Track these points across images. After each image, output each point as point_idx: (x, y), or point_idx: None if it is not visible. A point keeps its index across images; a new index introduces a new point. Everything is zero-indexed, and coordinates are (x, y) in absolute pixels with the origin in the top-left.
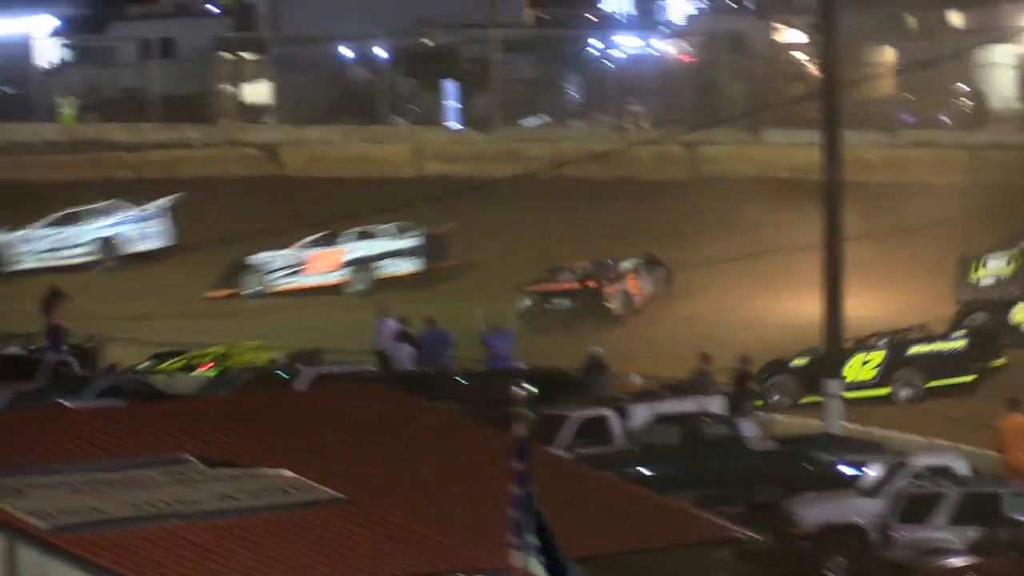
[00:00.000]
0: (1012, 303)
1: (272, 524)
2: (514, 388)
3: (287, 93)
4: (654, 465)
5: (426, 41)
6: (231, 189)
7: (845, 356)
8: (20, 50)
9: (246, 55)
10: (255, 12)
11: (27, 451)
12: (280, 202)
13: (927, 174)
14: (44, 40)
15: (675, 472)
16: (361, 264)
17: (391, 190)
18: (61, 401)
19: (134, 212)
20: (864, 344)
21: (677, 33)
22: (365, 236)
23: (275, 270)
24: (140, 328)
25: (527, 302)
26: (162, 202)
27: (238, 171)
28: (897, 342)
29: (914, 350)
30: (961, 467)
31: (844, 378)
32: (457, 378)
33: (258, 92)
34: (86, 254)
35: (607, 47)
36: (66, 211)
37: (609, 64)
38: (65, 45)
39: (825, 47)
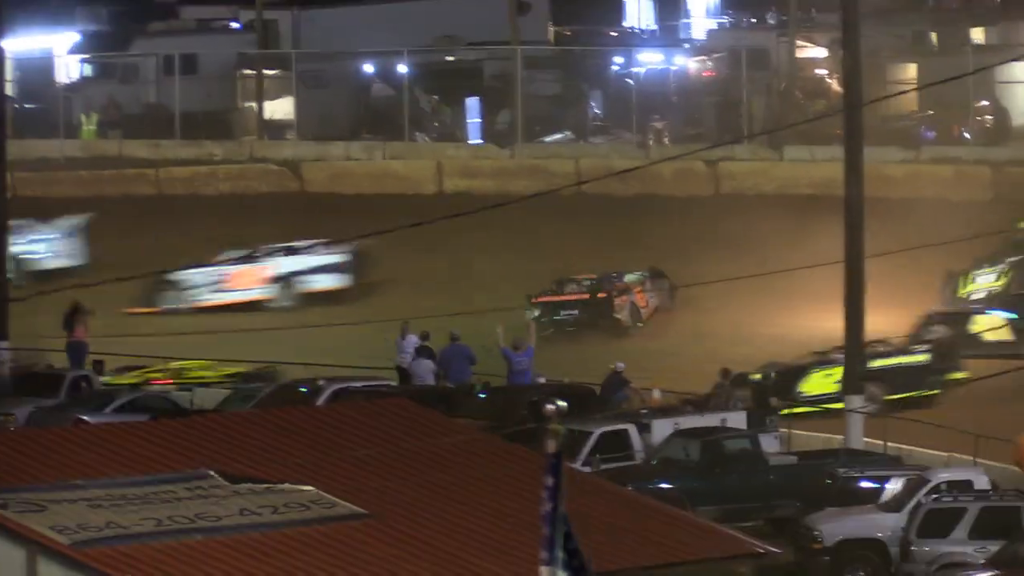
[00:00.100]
0: (970, 315)
1: (294, 539)
2: (546, 404)
3: (309, 109)
4: (674, 480)
5: (449, 57)
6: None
7: (807, 370)
8: (42, 66)
9: (268, 71)
10: (277, 29)
11: (49, 466)
12: (301, 218)
13: (948, 190)
14: (66, 56)
15: (696, 487)
16: (286, 280)
17: (413, 206)
18: (83, 416)
19: (45, 231)
20: (826, 358)
21: (699, 50)
22: (290, 252)
23: (196, 287)
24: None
25: (535, 313)
26: (74, 221)
27: (260, 187)
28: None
29: (876, 364)
30: (982, 481)
31: (802, 393)
32: (480, 394)
33: (280, 108)
34: None
35: (629, 64)
36: None
37: (631, 81)
38: (87, 61)
39: (847, 63)
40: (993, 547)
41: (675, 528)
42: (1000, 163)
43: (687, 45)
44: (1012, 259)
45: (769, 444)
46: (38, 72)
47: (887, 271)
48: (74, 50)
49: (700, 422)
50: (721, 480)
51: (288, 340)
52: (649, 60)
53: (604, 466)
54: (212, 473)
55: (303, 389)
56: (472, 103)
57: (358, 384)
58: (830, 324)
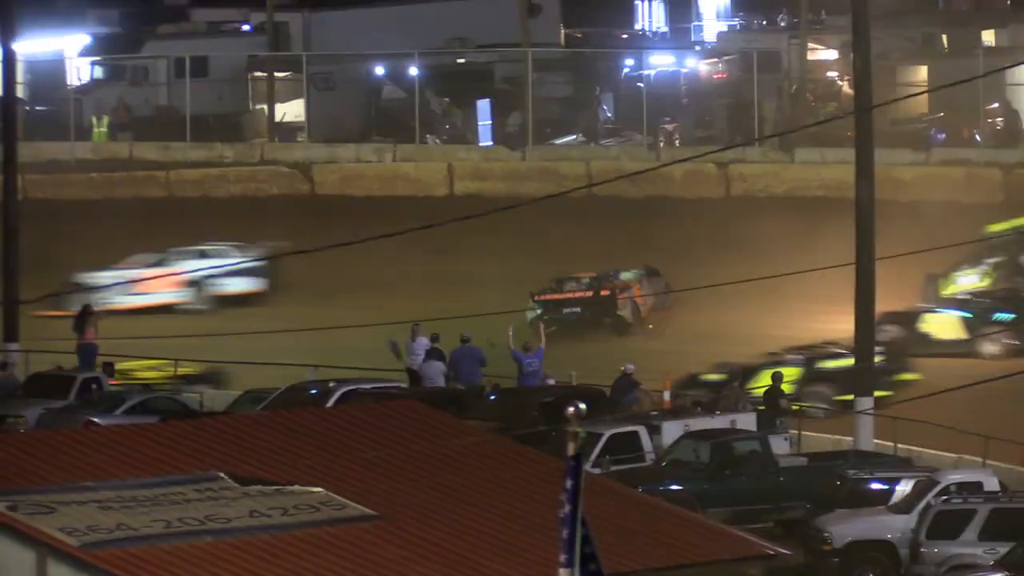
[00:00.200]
0: (919, 315)
1: (303, 541)
2: (568, 406)
3: (320, 111)
4: (685, 481)
5: (459, 60)
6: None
7: (758, 370)
8: (53, 69)
9: (279, 74)
10: (288, 31)
11: (58, 468)
12: (312, 220)
13: (959, 192)
14: (77, 59)
15: (706, 488)
16: (199, 283)
17: (424, 208)
18: (93, 418)
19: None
20: (779, 358)
21: (710, 52)
22: (203, 255)
23: (105, 289)
24: None
25: (538, 311)
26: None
27: (270, 190)
28: (811, 357)
29: (827, 365)
30: (991, 483)
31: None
32: (490, 395)
33: (291, 111)
34: None
35: (640, 66)
36: None
37: (642, 83)
38: (98, 64)
39: (857, 66)
40: (1003, 549)
41: (685, 530)
42: (1011, 165)
43: (698, 47)
44: (992, 260)
45: (779, 446)
46: (49, 74)
47: (896, 273)
48: (85, 52)
49: (710, 424)
50: (731, 482)
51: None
52: (660, 62)
53: (614, 468)
54: (222, 475)
55: (313, 391)
56: (483, 105)
57: (367, 386)
58: (840, 326)
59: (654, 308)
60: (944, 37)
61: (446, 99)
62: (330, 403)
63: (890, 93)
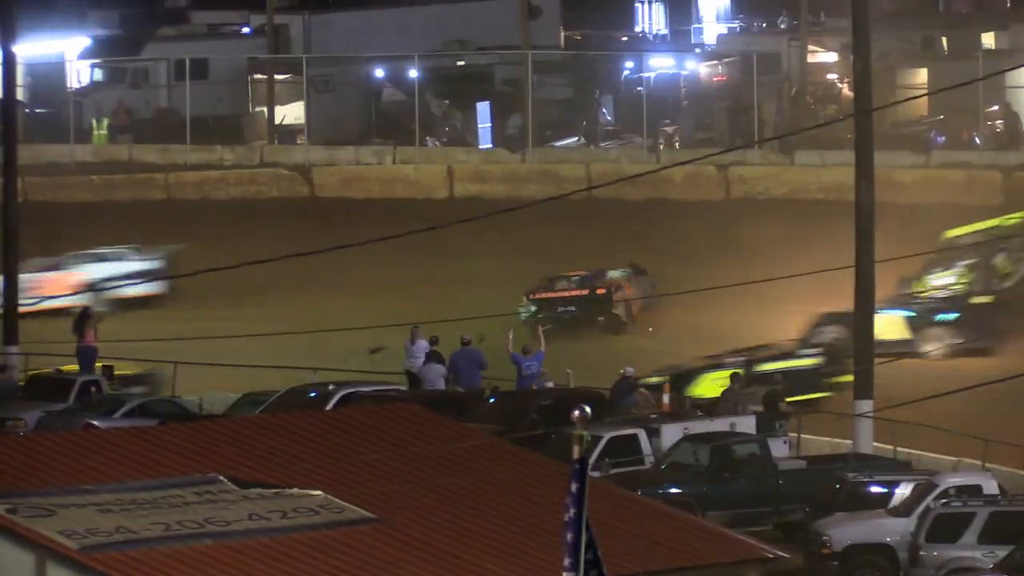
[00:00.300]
0: None
1: (303, 544)
2: (575, 410)
3: (320, 114)
4: (684, 484)
5: (459, 62)
6: (263, 209)
7: (697, 373)
8: (53, 71)
9: (279, 76)
10: (288, 33)
11: (58, 471)
12: (312, 222)
13: (959, 195)
14: (77, 61)
15: (705, 491)
16: (96, 287)
17: (424, 211)
18: (92, 421)
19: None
20: (718, 361)
21: (710, 54)
22: (100, 259)
23: None
24: None
25: (532, 309)
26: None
27: (270, 192)
28: (750, 360)
29: (767, 367)
30: (991, 487)
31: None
32: (489, 398)
33: (291, 113)
34: None
35: (640, 68)
36: None
37: (642, 85)
38: (98, 66)
39: (857, 68)
40: (1002, 552)
41: (684, 533)
42: (1011, 168)
43: (698, 50)
44: (965, 261)
45: (778, 449)
46: (49, 77)
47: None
48: (85, 55)
49: (709, 427)
50: (730, 485)
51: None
52: (660, 65)
53: (614, 471)
54: (221, 478)
55: (312, 394)
56: (483, 108)
57: (367, 389)
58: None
59: (643, 307)
60: (944, 39)
61: (446, 101)
62: (329, 406)
63: (890, 95)
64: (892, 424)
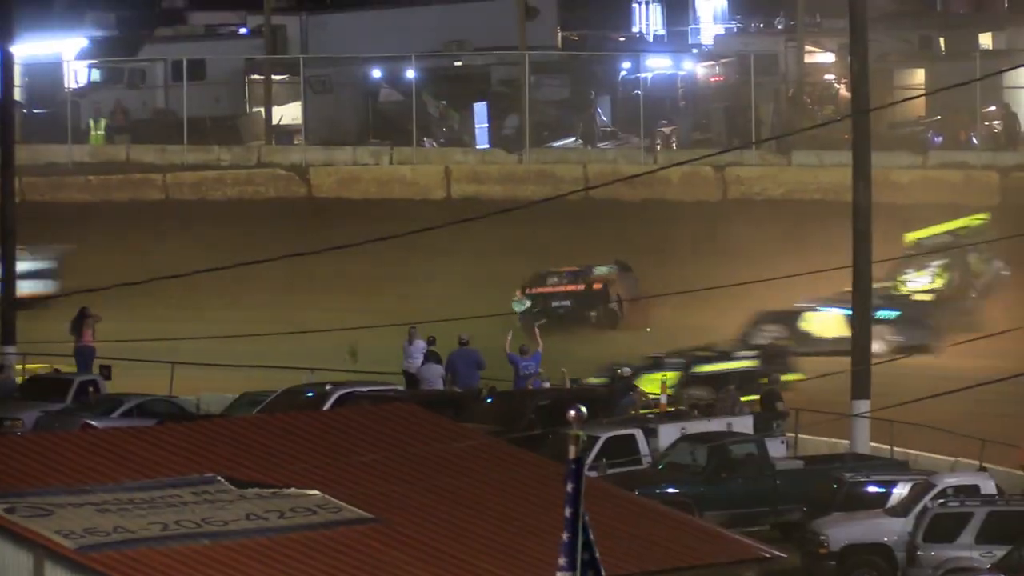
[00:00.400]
0: (800, 313)
1: (300, 544)
2: (570, 409)
3: (317, 114)
4: (681, 484)
5: (457, 62)
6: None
7: (637, 373)
8: (51, 71)
9: (276, 77)
10: (285, 34)
11: (55, 471)
12: (309, 222)
13: (956, 195)
14: (74, 62)
15: (702, 492)
16: None
17: (421, 211)
18: (90, 421)
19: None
20: (659, 362)
21: (707, 55)
22: None
23: None
24: None
25: (527, 304)
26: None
27: (267, 192)
28: (689, 360)
29: (705, 369)
30: (988, 486)
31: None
32: (486, 398)
33: (288, 113)
34: None
35: (637, 69)
36: None
37: (639, 87)
38: (95, 66)
39: (855, 69)
40: (999, 552)
41: (682, 533)
42: (1008, 168)
43: (695, 50)
44: (939, 262)
45: (775, 449)
46: (46, 77)
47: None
48: (82, 55)
49: (707, 427)
50: (728, 485)
51: None
52: (657, 65)
53: (611, 471)
54: (219, 477)
55: (309, 394)
56: (480, 108)
57: (364, 389)
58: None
59: (631, 303)
60: (942, 40)
61: (443, 102)
62: (327, 406)
63: (887, 96)
64: (889, 424)
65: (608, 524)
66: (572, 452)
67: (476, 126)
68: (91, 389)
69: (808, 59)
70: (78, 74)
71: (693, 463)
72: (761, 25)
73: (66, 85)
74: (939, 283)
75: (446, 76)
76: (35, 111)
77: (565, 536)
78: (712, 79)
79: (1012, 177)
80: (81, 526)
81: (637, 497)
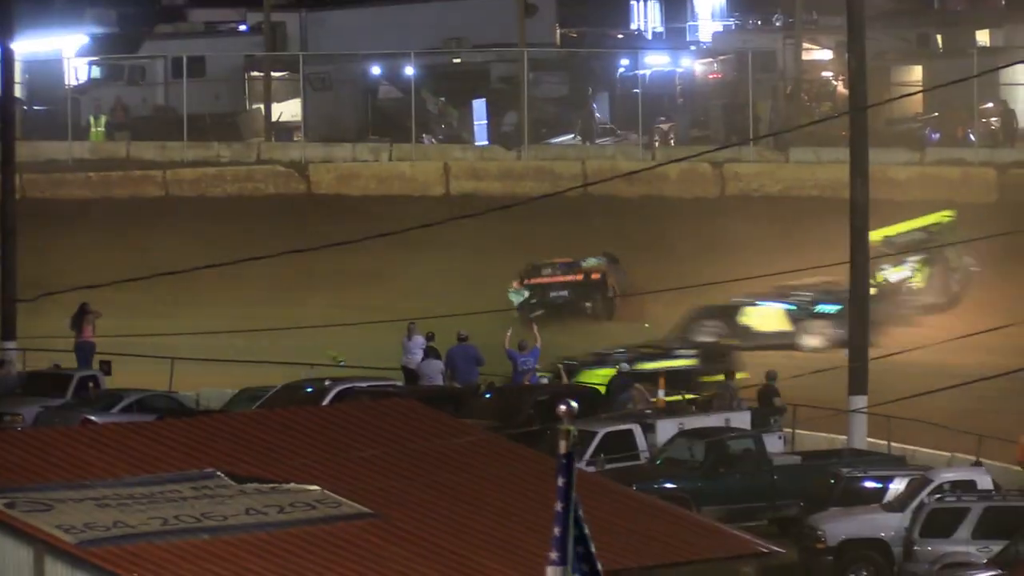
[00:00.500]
0: (739, 308)
1: (299, 539)
2: (560, 404)
3: (316, 111)
4: (679, 480)
5: (455, 59)
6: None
7: (581, 368)
8: (51, 68)
9: (276, 74)
10: (285, 31)
11: (55, 466)
12: (308, 219)
13: (954, 192)
14: (74, 59)
15: (700, 487)
16: None
17: (420, 208)
18: (90, 416)
19: None
20: (601, 357)
21: (705, 52)
22: None
23: None
24: None
25: (524, 294)
26: None
27: (267, 189)
28: (633, 357)
29: (646, 366)
30: (985, 482)
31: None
32: (485, 394)
33: (287, 110)
34: None
35: (636, 66)
36: None
37: (638, 84)
38: (95, 63)
39: (852, 66)
40: (996, 547)
41: (679, 528)
42: (1006, 165)
43: (693, 47)
44: (916, 257)
45: (773, 444)
46: (47, 74)
47: None
48: (82, 52)
49: (704, 422)
50: (725, 480)
51: None
52: (655, 62)
53: (609, 466)
54: (218, 473)
55: (309, 389)
56: (479, 105)
57: (363, 384)
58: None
59: (622, 296)
60: (939, 37)
61: (442, 99)
62: (326, 401)
63: (885, 93)
64: (887, 420)
65: (606, 519)
66: (563, 447)
67: (475, 123)
68: (91, 384)
69: (806, 56)
70: (78, 71)
71: (691, 458)
72: (759, 22)
73: (66, 82)
74: (919, 277)
75: (445, 73)
76: (35, 108)
77: (556, 530)
78: (710, 76)
79: (1009, 174)
80: (81, 521)
81: (635, 492)
